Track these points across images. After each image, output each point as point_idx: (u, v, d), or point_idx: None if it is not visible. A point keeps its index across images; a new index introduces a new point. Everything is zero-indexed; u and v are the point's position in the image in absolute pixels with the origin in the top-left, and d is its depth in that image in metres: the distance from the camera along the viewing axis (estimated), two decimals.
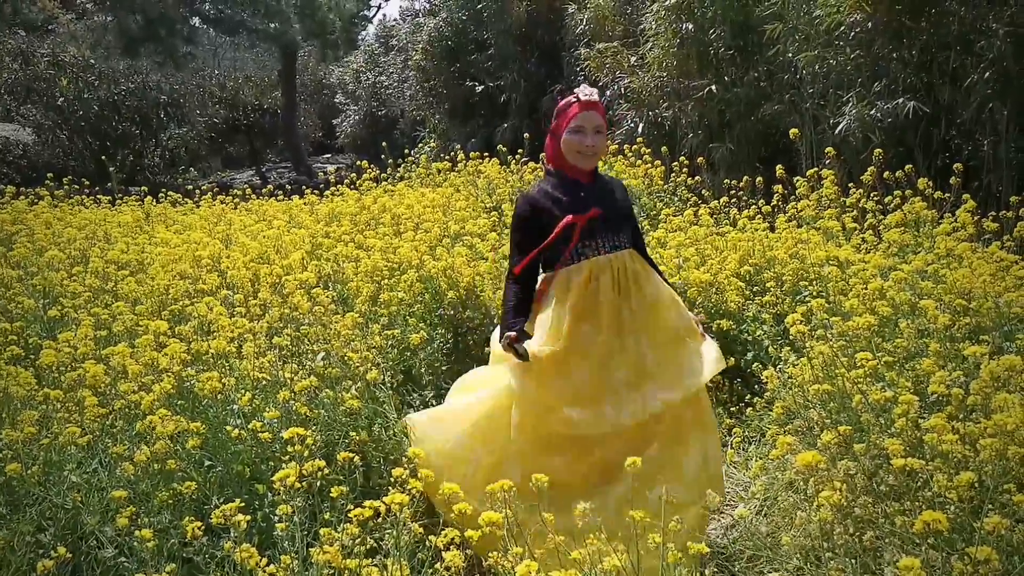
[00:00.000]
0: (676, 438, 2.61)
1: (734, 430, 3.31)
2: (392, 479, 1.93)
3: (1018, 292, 3.57)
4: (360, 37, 22.93)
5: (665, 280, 2.88)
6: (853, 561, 1.91)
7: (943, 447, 2.15)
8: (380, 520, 1.71)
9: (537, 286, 2.77)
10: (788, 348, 3.46)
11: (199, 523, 1.98)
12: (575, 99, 2.67)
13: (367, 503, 1.63)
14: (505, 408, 2.68)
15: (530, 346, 2.60)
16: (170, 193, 7.62)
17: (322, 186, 7.95)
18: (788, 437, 2.44)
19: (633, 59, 9.24)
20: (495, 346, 2.81)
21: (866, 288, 3.48)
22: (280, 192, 8.34)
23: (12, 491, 2.39)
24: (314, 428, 2.74)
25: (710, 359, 2.68)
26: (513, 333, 2.58)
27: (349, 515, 1.63)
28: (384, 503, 1.58)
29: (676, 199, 6.85)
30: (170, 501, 2.37)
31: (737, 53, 8.03)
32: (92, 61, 15.62)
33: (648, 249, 4.59)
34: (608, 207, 2.68)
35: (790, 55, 7.16)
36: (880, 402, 2.46)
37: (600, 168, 2.86)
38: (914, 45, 6.45)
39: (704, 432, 2.67)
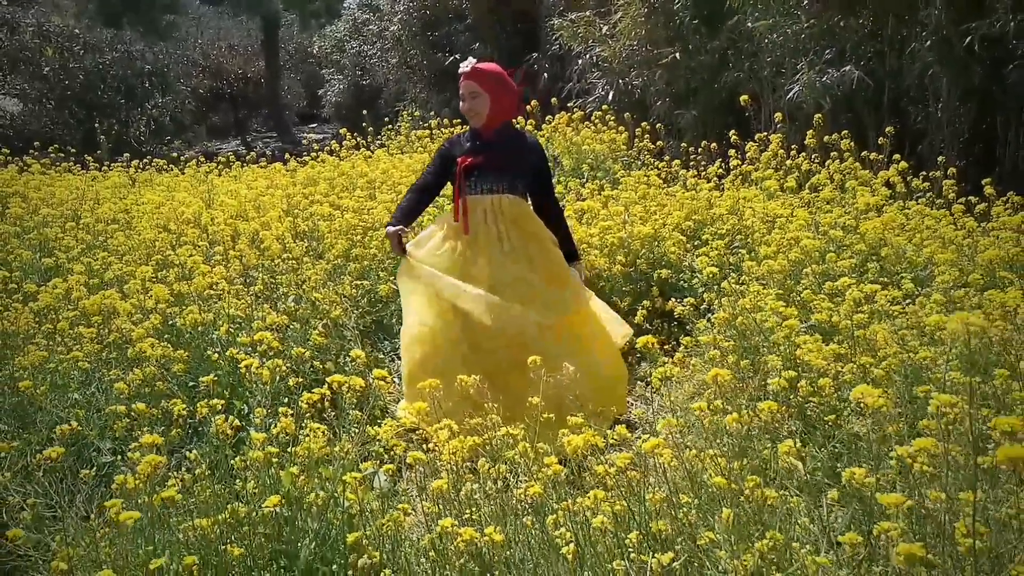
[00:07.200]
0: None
1: (666, 365, 3.69)
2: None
3: (932, 245, 3.97)
4: (343, 6, 22.96)
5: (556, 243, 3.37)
6: (731, 441, 2.31)
7: (813, 361, 2.55)
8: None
9: None
10: (714, 294, 3.85)
11: (183, 431, 2.36)
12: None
13: (316, 389, 2.02)
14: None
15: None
16: (156, 160, 7.89)
17: (305, 154, 8.22)
18: (693, 359, 2.83)
19: (604, 28, 9.52)
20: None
21: (784, 237, 3.88)
22: (263, 159, 8.60)
23: (24, 409, 2.76)
24: (283, 360, 3.11)
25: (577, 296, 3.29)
26: (391, 228, 3.23)
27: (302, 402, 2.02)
28: (330, 384, 1.97)
29: (640, 163, 7.19)
30: (159, 416, 2.74)
31: (702, 22, 8.33)
32: (77, 31, 15.70)
33: (598, 206, 4.94)
34: (492, 157, 3.20)
35: (749, 24, 7.47)
36: (771, 327, 2.86)
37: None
38: (863, 14, 6.78)
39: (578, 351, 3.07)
